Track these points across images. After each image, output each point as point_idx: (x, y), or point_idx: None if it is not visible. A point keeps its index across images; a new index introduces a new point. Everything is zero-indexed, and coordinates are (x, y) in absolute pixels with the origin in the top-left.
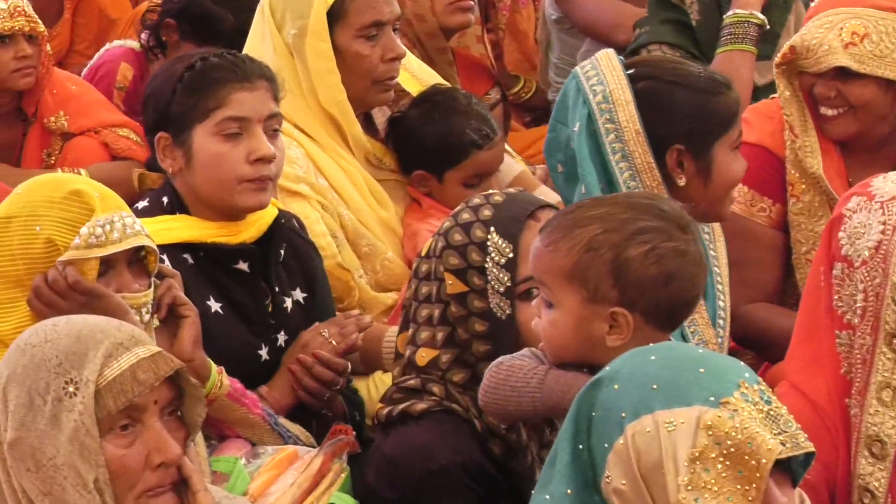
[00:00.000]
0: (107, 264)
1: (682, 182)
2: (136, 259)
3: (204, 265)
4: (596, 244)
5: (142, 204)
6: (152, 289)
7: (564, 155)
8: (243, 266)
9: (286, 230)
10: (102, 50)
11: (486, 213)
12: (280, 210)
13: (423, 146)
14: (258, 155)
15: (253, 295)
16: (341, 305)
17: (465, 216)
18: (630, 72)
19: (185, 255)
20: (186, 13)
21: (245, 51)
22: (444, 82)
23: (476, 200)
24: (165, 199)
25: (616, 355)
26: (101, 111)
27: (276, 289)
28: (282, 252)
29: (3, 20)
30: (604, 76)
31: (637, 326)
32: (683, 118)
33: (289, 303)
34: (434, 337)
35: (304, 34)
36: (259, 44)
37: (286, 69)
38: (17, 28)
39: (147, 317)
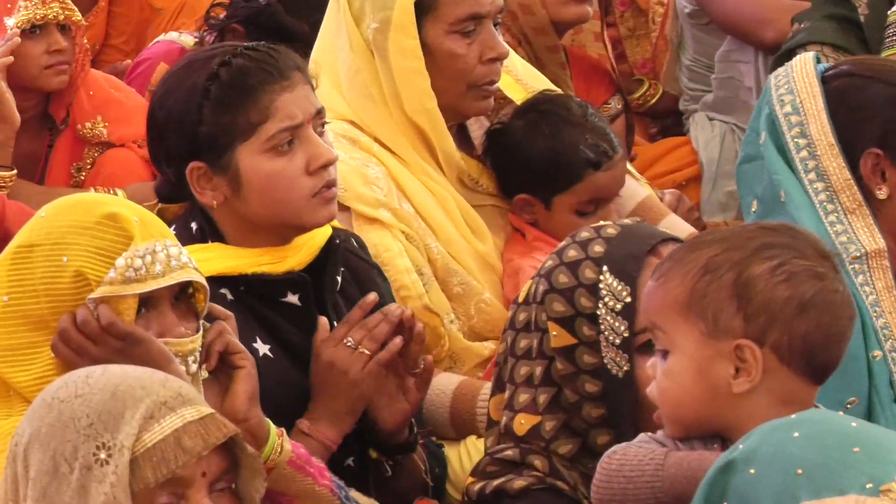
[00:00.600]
0: (147, 303)
1: (882, 195)
2: (183, 297)
3: (247, 300)
4: (714, 265)
5: None
6: (201, 333)
7: (764, 189)
8: (293, 298)
9: (343, 252)
10: (152, 43)
11: (598, 249)
12: (334, 229)
13: (528, 165)
14: (321, 162)
15: (307, 332)
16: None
17: (572, 253)
18: (827, 73)
19: (224, 290)
20: (256, 21)
21: (316, 49)
22: (555, 88)
23: (585, 234)
24: (195, 226)
25: (745, 409)
26: (145, 119)
27: (335, 323)
28: (338, 279)
29: (34, 7)
30: (794, 83)
31: (768, 367)
32: (875, 116)
33: None
34: (535, 400)
35: (388, 29)
36: (332, 40)
37: (365, 71)
38: (50, 17)
39: (194, 367)
